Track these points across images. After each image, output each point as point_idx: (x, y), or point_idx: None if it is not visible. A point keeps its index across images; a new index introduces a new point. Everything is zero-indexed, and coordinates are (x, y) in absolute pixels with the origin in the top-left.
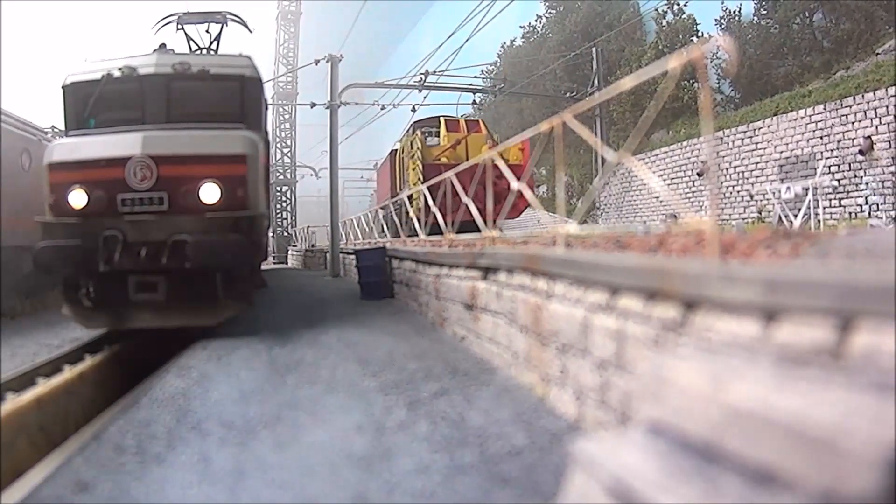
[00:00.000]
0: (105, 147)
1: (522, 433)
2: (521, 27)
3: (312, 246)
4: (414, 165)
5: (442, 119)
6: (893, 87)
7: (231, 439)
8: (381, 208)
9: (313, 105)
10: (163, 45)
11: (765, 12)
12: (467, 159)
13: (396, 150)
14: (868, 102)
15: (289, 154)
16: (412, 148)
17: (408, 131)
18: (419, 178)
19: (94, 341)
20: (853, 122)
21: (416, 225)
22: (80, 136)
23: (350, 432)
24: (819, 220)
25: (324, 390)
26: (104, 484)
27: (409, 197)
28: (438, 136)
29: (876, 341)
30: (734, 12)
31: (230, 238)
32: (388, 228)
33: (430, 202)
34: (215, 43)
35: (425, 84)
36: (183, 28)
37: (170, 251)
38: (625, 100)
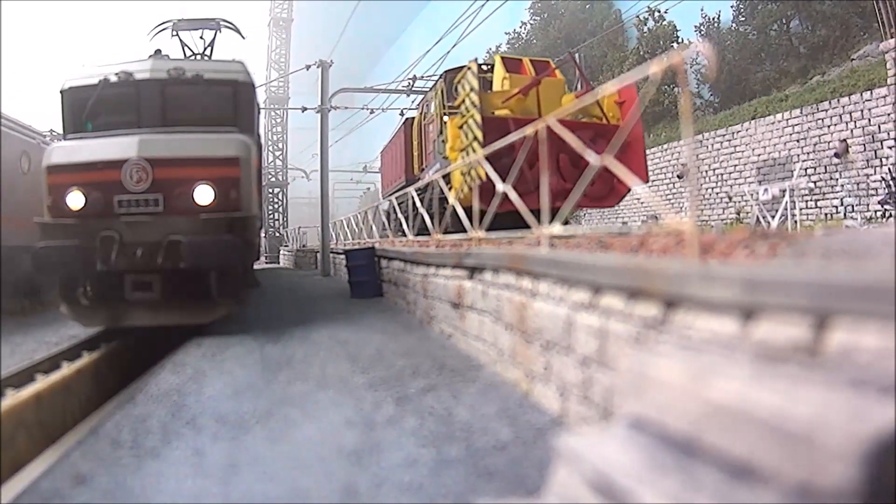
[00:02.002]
0: (102, 150)
1: (507, 428)
2: (506, 34)
3: (303, 246)
4: (463, 121)
5: (498, 57)
6: (868, 91)
7: (224, 434)
8: (388, 199)
9: (304, 109)
10: (158, 51)
11: (743, 19)
12: (539, 114)
13: (413, 118)
14: (843, 106)
15: (280, 157)
16: (461, 94)
17: (439, 82)
18: (474, 139)
19: (92, 339)
20: (829, 126)
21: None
22: (77, 139)
23: (340, 427)
24: (796, 221)
25: (315, 386)
26: (101, 477)
27: (443, 179)
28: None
29: (852, 339)
30: (713, 19)
31: (223, 238)
32: (398, 223)
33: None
34: (209, 49)
35: (413, 89)
36: (178, 34)
37: (165, 251)
38: None
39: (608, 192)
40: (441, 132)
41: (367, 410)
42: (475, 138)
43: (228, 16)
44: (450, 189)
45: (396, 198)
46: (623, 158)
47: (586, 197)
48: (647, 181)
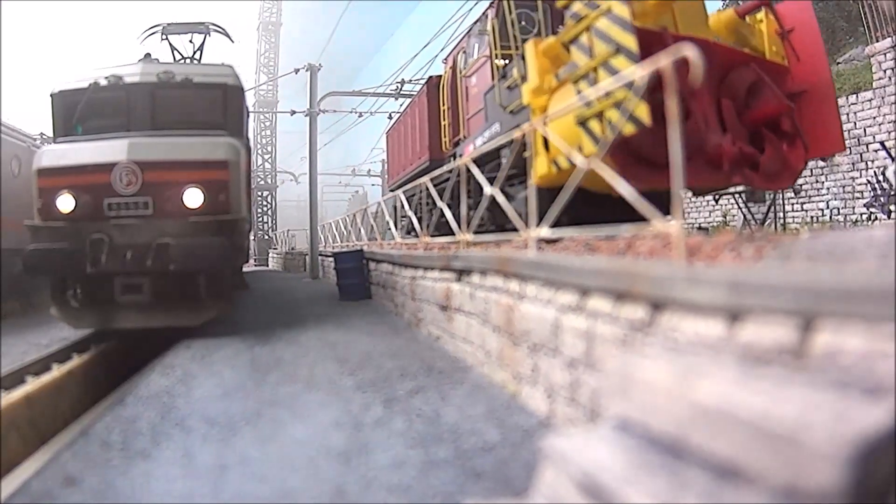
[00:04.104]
0: (92, 153)
1: (495, 429)
2: None
3: (292, 249)
4: (576, 31)
5: None
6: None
7: (213, 435)
8: (400, 189)
9: (293, 113)
10: (148, 55)
11: None
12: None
13: (438, 78)
14: None
15: (269, 160)
16: None
17: (494, 9)
18: (616, 51)
19: (82, 341)
20: None
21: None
22: (67, 142)
23: (329, 428)
24: (782, 224)
25: (303, 388)
26: (91, 478)
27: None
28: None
29: (836, 341)
30: None
31: (213, 241)
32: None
33: None
34: (199, 52)
35: (401, 92)
36: (167, 38)
37: (154, 254)
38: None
39: (782, 166)
40: (504, 75)
41: (355, 412)
42: (618, 49)
43: (218, 20)
44: (528, 156)
45: (415, 187)
46: (801, 116)
47: (756, 174)
48: (844, 149)
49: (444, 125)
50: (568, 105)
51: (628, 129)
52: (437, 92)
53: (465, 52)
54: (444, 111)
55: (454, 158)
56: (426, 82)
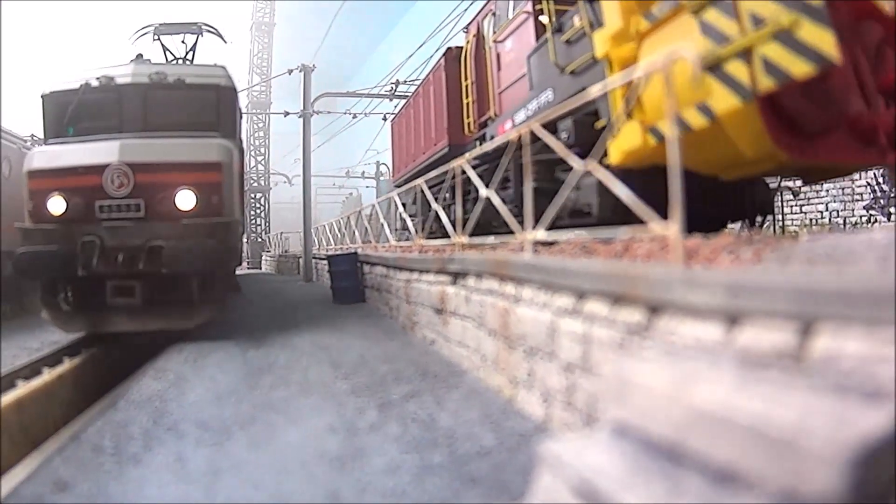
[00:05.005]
0: (83, 155)
1: (491, 434)
2: None
3: (286, 251)
4: None
5: None
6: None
7: (206, 440)
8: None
9: (286, 114)
10: (140, 56)
11: None
12: None
13: (458, 49)
14: None
15: (263, 162)
16: None
17: None
18: None
19: (73, 344)
20: None
21: None
22: (58, 144)
23: (323, 433)
24: (781, 226)
25: (297, 392)
26: (83, 483)
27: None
28: None
29: (836, 344)
30: None
31: (205, 243)
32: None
33: None
34: (191, 53)
35: (396, 93)
36: (159, 39)
37: (146, 256)
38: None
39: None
40: (559, 28)
41: (349, 416)
42: None
43: (210, 20)
44: (607, 133)
45: (433, 179)
46: None
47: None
48: None
49: (468, 103)
50: (690, 43)
51: (802, 69)
52: (457, 65)
53: (493, 13)
54: (466, 87)
55: (480, 142)
56: (444, 55)
